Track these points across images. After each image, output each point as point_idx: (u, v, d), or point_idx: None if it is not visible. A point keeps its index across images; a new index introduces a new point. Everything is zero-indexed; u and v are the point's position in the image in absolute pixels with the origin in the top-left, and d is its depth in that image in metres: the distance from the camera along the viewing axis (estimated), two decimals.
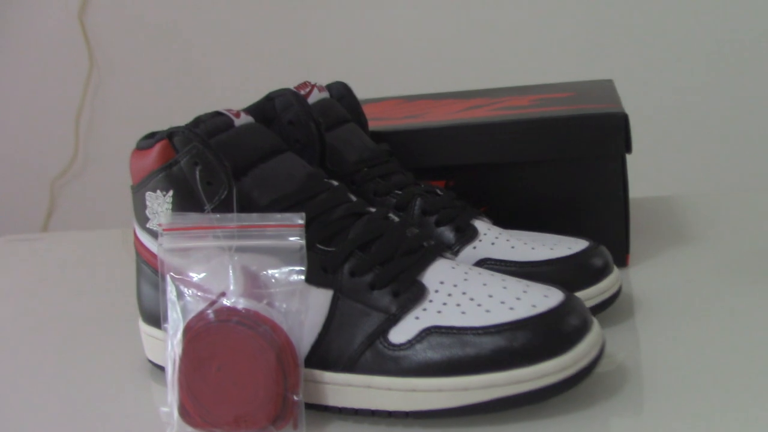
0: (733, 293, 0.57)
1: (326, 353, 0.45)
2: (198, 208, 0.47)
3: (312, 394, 0.45)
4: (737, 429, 0.41)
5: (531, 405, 0.43)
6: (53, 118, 1.54)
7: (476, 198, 0.63)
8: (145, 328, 0.54)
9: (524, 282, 0.47)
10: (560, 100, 0.70)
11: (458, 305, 0.45)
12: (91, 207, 1.55)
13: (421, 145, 0.64)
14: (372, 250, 0.47)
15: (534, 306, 0.44)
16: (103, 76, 1.50)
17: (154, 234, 0.50)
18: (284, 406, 0.43)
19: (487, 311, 0.44)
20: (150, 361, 0.54)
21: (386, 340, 0.44)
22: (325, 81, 0.62)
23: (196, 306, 0.45)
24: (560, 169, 0.63)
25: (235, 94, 1.40)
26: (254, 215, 0.46)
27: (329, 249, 0.46)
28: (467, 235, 0.55)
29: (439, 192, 0.58)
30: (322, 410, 0.45)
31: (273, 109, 0.53)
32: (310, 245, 0.46)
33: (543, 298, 0.44)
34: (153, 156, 0.48)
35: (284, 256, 0.45)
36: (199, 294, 0.46)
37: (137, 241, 0.53)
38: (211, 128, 0.48)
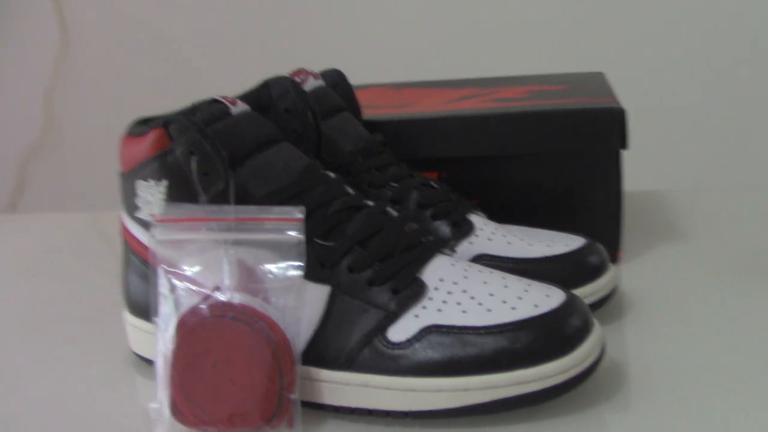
0: (725, 292, 0.57)
1: (323, 351, 0.44)
2: (193, 199, 0.45)
3: (308, 393, 0.44)
4: (729, 427, 0.41)
5: (532, 406, 0.42)
6: (23, 95, 1.50)
7: (468, 190, 0.62)
8: (132, 320, 0.53)
9: (525, 280, 0.46)
10: (553, 92, 0.69)
11: (459, 304, 0.44)
12: (60, 188, 1.51)
13: (414, 135, 0.63)
14: (371, 246, 0.46)
15: (536, 306, 0.43)
16: (77, 54, 1.46)
17: (144, 224, 0.49)
18: (280, 405, 0.42)
19: (489, 310, 0.43)
20: (136, 354, 0.53)
21: (385, 338, 0.43)
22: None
23: (189, 300, 0.44)
24: (555, 162, 0.63)
25: (213, 75, 1.37)
26: (252, 208, 0.45)
27: (327, 244, 0.45)
28: (463, 229, 0.54)
29: (433, 185, 0.57)
30: (318, 409, 0.44)
31: (269, 97, 0.52)
32: (307, 239, 0.45)
33: (545, 297, 0.44)
34: (147, 144, 0.46)
35: (282, 251, 0.44)
36: (192, 288, 0.44)
37: (125, 231, 0.52)
38: (207, 116, 0.46)
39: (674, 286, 0.59)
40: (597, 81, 0.74)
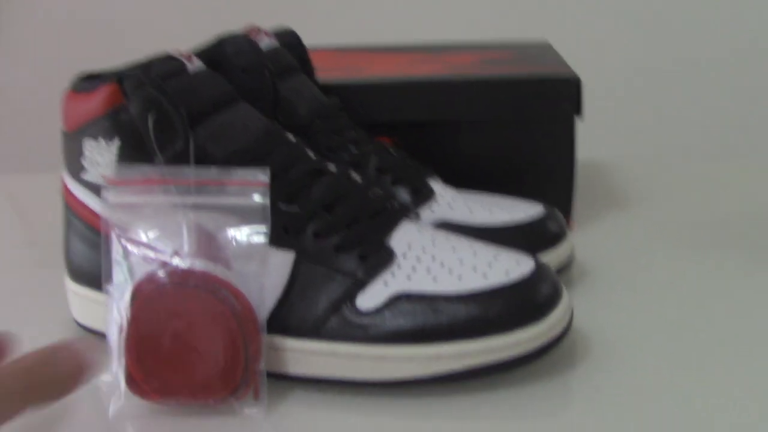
0: (675, 261, 0.58)
1: (288, 319, 0.42)
2: (148, 159, 0.43)
3: (273, 362, 0.42)
4: (684, 389, 0.42)
5: (503, 374, 0.42)
6: None
7: (421, 157, 0.61)
8: (74, 287, 0.49)
9: (492, 246, 0.45)
10: (505, 60, 0.69)
11: (428, 271, 0.43)
12: None
13: (367, 100, 0.62)
14: (337, 212, 0.44)
15: (507, 273, 0.43)
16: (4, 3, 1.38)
17: (91, 186, 0.46)
18: (245, 375, 0.40)
19: (459, 278, 0.42)
20: (78, 324, 0.50)
21: (353, 306, 0.42)
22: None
23: (145, 267, 0.42)
24: (508, 130, 0.62)
25: (147, 33, 1.31)
26: (213, 170, 0.42)
27: (291, 209, 0.43)
28: (424, 195, 0.53)
29: (391, 150, 0.56)
30: (283, 379, 0.43)
31: (223, 55, 0.49)
32: (270, 204, 0.43)
33: (515, 265, 0.43)
34: (97, 100, 0.43)
35: (245, 215, 0.42)
36: (149, 254, 0.42)
37: (67, 192, 0.48)
38: (163, 73, 0.44)
39: (625, 254, 0.59)
40: (545, 49, 0.74)
